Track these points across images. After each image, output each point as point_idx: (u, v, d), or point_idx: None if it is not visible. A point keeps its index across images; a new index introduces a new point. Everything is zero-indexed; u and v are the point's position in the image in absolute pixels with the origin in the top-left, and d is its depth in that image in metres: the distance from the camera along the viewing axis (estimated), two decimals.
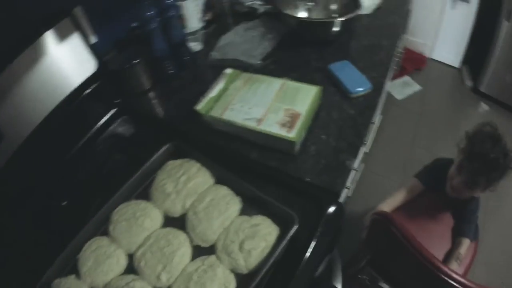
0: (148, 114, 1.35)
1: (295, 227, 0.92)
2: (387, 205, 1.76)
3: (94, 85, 1.26)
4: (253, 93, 1.26)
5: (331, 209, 1.04)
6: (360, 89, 1.34)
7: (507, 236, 2.41)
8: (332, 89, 1.38)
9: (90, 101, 1.26)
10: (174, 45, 1.46)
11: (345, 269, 1.88)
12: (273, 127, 1.14)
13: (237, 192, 1.05)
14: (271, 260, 0.88)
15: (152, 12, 1.29)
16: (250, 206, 1.04)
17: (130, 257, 0.99)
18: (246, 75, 1.35)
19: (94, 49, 1.23)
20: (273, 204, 0.98)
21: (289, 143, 1.12)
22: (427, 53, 3.66)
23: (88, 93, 1.24)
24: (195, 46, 1.62)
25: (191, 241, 0.99)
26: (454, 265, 1.57)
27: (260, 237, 0.94)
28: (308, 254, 0.95)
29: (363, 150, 1.54)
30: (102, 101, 1.31)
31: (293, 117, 1.15)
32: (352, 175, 1.83)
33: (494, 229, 2.42)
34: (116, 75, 1.34)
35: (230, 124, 1.19)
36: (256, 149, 1.19)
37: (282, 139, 1.12)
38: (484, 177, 1.45)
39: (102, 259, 0.96)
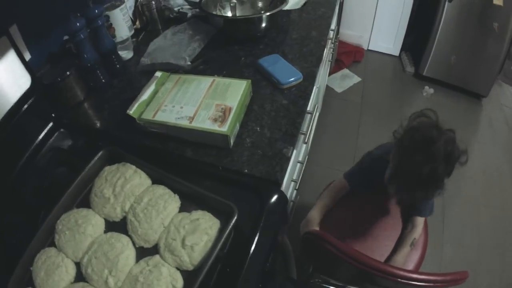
0: (83, 125, 1.32)
1: (235, 217, 0.91)
2: (318, 212, 1.63)
3: (30, 101, 1.22)
4: (184, 93, 1.25)
5: (273, 198, 1.04)
6: (291, 79, 1.35)
7: (470, 212, 2.51)
8: (264, 82, 1.38)
9: (27, 117, 1.22)
10: (104, 54, 1.44)
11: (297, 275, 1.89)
12: (205, 123, 1.13)
13: (175, 190, 1.04)
14: (215, 253, 0.87)
15: (79, 24, 1.26)
16: (189, 203, 1.03)
17: (78, 265, 0.98)
18: (175, 76, 1.34)
19: (29, 65, 1.20)
20: (211, 197, 0.98)
21: (223, 137, 1.11)
22: (365, 45, 3.75)
23: (25, 109, 1.20)
24: (126, 54, 1.60)
25: (134, 243, 0.98)
26: (406, 250, 1.53)
27: (201, 231, 0.93)
28: (254, 246, 0.95)
29: (302, 139, 1.54)
30: (38, 117, 1.27)
31: (225, 111, 1.15)
32: (297, 168, 1.84)
33: (457, 205, 2.51)
34: (50, 88, 1.30)
35: (162, 125, 1.17)
36: (191, 147, 1.17)
37: (215, 134, 1.11)
38: (420, 193, 1.23)
39: (52, 270, 0.95)
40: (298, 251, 1.47)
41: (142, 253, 0.97)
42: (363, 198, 1.68)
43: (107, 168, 1.11)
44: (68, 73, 1.31)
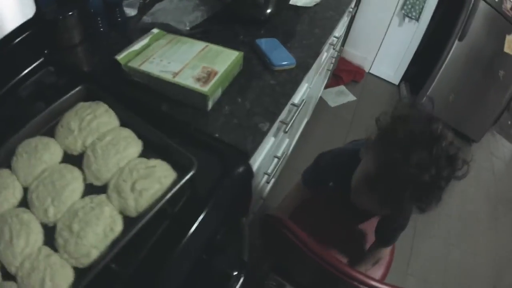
0: (72, 66, 1.29)
1: (192, 171, 0.88)
2: (281, 211, 1.57)
3: (28, 32, 1.20)
4: (175, 51, 1.23)
5: (237, 167, 1.02)
6: (284, 62, 1.34)
7: (441, 250, 2.50)
8: (256, 61, 1.37)
9: (21, 47, 1.20)
10: (110, 4, 1.44)
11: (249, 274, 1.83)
12: (188, 80, 1.11)
13: (140, 136, 1.02)
14: (161, 203, 0.84)
15: None
16: (152, 152, 0.99)
17: (26, 191, 0.94)
18: (171, 36, 1.32)
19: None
20: (173, 147, 0.95)
21: (202, 96, 1.09)
22: (366, 67, 3.76)
23: (21, 38, 1.18)
24: (130, 11, 1.57)
25: (85, 179, 0.94)
26: (367, 268, 1.46)
27: (155, 178, 0.89)
28: (205, 211, 0.92)
29: (283, 129, 1.52)
30: (31, 49, 1.24)
31: (210, 74, 1.13)
32: (274, 162, 1.83)
33: (429, 239, 2.50)
34: (49, 25, 1.28)
35: (146, 75, 1.15)
36: (169, 103, 1.15)
37: (195, 92, 1.09)
38: (410, 204, 1.00)
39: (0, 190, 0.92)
40: (257, 244, 1.42)
41: (91, 191, 0.93)
42: (326, 201, 1.62)
43: (81, 103, 1.09)
44: (70, 13, 1.29)
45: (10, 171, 0.97)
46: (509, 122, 3.79)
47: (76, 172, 0.95)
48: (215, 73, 1.13)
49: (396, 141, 0.96)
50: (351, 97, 3.40)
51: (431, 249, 2.50)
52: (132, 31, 1.48)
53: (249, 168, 1.05)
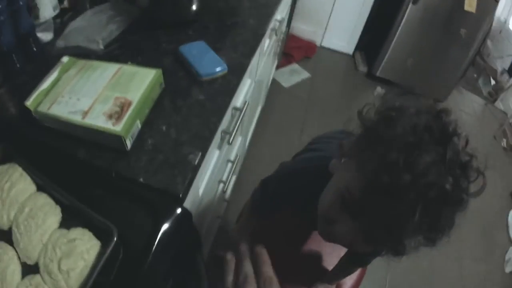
0: None
1: (113, 242, 0.79)
2: (239, 234, 1.37)
3: None
4: (85, 82, 1.05)
5: (170, 215, 0.89)
6: (212, 71, 1.18)
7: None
8: (182, 73, 1.20)
9: None
10: (22, 36, 1.23)
11: None
12: (98, 119, 0.94)
13: (57, 200, 0.90)
14: (91, 281, 0.77)
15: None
16: (71, 217, 0.88)
17: None
18: (82, 63, 1.14)
19: None
20: (89, 214, 0.84)
21: (116, 137, 0.92)
22: (318, 41, 3.63)
23: None
24: (46, 36, 1.38)
25: (19, 257, 0.86)
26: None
27: (77, 255, 0.80)
28: (145, 266, 0.82)
29: (227, 140, 1.36)
30: None
31: (123, 106, 0.96)
32: (228, 167, 1.68)
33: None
34: None
35: (55, 120, 0.98)
36: (86, 147, 0.98)
37: (107, 134, 0.92)
38: (414, 235, 0.69)
39: None
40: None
41: (30, 269, 0.85)
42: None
43: None
44: None
45: None
46: (475, 75, 3.75)
47: (10, 252, 0.87)
48: (129, 104, 0.96)
49: (391, 141, 0.66)
50: (305, 74, 3.28)
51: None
52: (50, 59, 1.28)
53: (185, 211, 0.92)
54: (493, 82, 3.77)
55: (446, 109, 0.70)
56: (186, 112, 1.07)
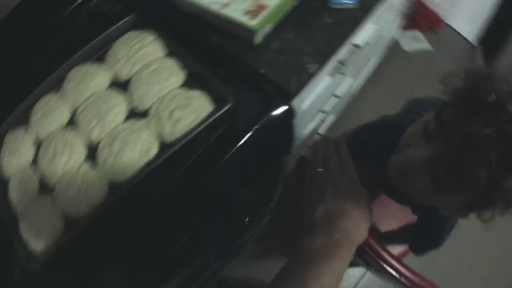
0: None
1: (228, 105, 0.90)
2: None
3: None
4: None
5: (277, 107, 1.00)
6: (344, 1, 1.25)
7: None
8: None
9: None
10: None
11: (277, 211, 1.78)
12: (236, 13, 1.07)
13: (185, 66, 1.04)
14: (194, 132, 0.89)
15: None
16: (193, 84, 1.01)
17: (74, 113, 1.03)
18: None
19: None
20: (214, 80, 0.96)
21: (249, 31, 1.05)
22: (443, 17, 3.48)
23: None
24: None
25: (129, 103, 1.01)
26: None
27: (191, 109, 0.93)
28: (241, 142, 0.94)
29: (341, 70, 1.45)
30: None
31: (260, 7, 1.08)
32: (331, 100, 1.77)
33: None
34: None
35: (195, 6, 1.13)
36: (218, 34, 1.14)
37: (242, 26, 1.06)
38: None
39: (49, 112, 1.03)
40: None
41: (133, 115, 0.99)
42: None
43: (129, 32, 1.12)
44: None
45: (60, 95, 1.06)
46: None
47: (120, 97, 1.01)
48: (266, 7, 1.08)
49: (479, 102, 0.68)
50: (427, 46, 3.21)
51: None
52: None
53: (290, 109, 1.03)
54: None
55: None
56: (313, 29, 1.17)
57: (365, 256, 0.97)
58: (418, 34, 3.27)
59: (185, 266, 1.04)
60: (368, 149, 1.12)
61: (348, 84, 1.94)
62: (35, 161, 1.00)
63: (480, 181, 0.64)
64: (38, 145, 1.01)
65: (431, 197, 0.80)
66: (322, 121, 1.71)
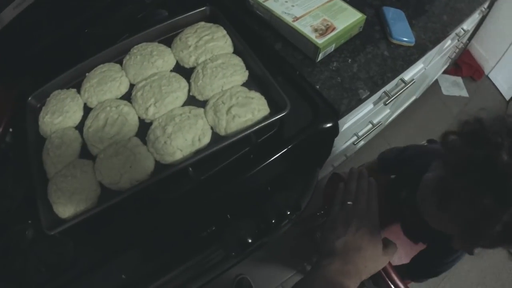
0: None
1: (284, 112, 0.94)
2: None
3: None
4: None
5: (326, 122, 1.07)
6: (404, 38, 1.31)
7: None
8: (377, 27, 1.35)
9: None
10: None
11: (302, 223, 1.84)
12: (306, 28, 1.14)
13: (248, 67, 1.09)
14: (247, 132, 0.93)
15: None
16: (254, 84, 1.07)
17: (133, 87, 1.07)
18: None
19: None
20: (274, 86, 1.00)
21: (314, 48, 1.13)
22: (486, 70, 3.52)
23: None
24: None
25: (190, 90, 1.05)
26: None
27: (249, 109, 0.97)
28: (285, 149, 1.00)
29: (384, 100, 1.51)
30: None
31: (328, 28, 1.15)
32: (367, 127, 1.83)
33: None
34: None
35: (268, 12, 1.20)
36: (283, 43, 1.22)
37: (309, 42, 1.13)
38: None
39: (106, 81, 1.05)
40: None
41: (191, 102, 1.03)
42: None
43: (202, 22, 1.18)
44: None
45: (121, 67, 1.10)
46: None
47: (183, 82, 1.05)
48: (333, 29, 1.15)
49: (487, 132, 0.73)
50: (464, 93, 3.25)
51: None
52: None
53: (336, 127, 1.09)
54: None
55: None
56: (370, 57, 1.24)
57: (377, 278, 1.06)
58: (459, 80, 3.31)
59: (202, 254, 1.10)
60: (410, 167, 1.21)
61: (385, 114, 2.00)
62: (80, 124, 1.03)
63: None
64: (87, 110, 1.05)
65: (440, 219, 0.83)
66: (354, 144, 1.77)
